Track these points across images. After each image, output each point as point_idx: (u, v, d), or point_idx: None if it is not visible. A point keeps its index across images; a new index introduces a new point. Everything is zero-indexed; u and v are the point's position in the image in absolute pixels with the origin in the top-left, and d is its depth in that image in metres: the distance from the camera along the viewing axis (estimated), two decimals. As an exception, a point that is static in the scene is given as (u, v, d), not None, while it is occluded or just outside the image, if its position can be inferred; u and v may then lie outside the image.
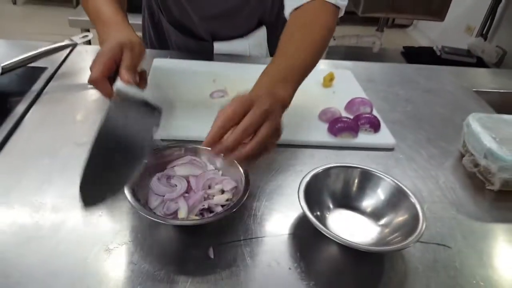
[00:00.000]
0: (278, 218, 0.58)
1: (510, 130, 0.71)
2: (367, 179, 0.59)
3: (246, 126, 0.49)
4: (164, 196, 0.54)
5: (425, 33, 3.88)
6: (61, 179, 0.60)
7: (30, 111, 0.75)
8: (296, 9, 0.73)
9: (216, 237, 0.54)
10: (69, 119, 0.73)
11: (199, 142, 0.57)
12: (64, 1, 3.64)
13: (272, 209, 0.60)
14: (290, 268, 0.51)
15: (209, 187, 0.57)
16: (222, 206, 0.55)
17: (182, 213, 0.52)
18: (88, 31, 2.14)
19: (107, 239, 0.52)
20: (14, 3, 3.65)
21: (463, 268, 0.54)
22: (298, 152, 0.72)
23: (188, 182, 0.57)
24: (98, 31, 0.67)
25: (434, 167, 0.73)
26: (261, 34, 1.03)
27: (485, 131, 0.70)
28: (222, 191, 0.57)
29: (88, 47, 0.99)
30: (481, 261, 0.56)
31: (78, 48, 0.96)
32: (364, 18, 2.60)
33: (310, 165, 0.67)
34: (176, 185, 0.56)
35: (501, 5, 2.93)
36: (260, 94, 0.53)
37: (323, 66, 1.04)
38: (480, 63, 2.82)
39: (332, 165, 0.60)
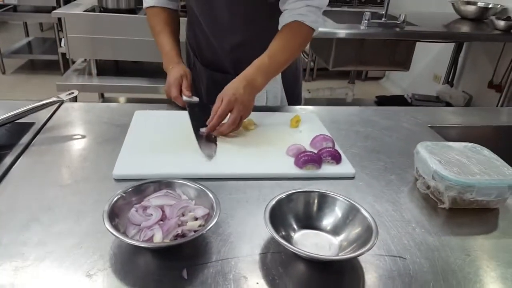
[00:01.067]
0: (248, 240, 0.64)
1: (454, 154, 0.80)
2: (324, 200, 0.66)
3: (233, 121, 0.92)
4: (140, 225, 0.60)
5: (397, 83, 4.15)
6: (47, 217, 0.65)
7: (18, 161, 0.81)
8: (283, 26, 1.04)
9: (189, 260, 0.59)
10: (55, 167, 0.80)
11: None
12: (52, 69, 3.82)
13: (242, 234, 0.65)
14: (257, 283, 0.56)
15: (183, 215, 0.62)
16: (195, 232, 0.60)
17: (157, 238, 0.57)
18: (76, 97, 2.27)
19: (88, 266, 0.56)
20: (3, 72, 3.82)
21: (417, 275, 0.60)
22: (266, 184, 0.79)
23: (163, 211, 0.62)
24: (162, 57, 1.15)
25: (391, 191, 0.80)
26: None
27: (431, 156, 0.78)
28: (195, 218, 0.63)
29: (74, 104, 1.08)
30: (434, 268, 0.61)
31: (64, 105, 1.05)
32: (337, 73, 2.82)
33: (278, 193, 0.74)
34: (151, 214, 0.61)
35: (461, 54, 3.21)
36: (240, 95, 0.93)
37: (293, 111, 1.14)
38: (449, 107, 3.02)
39: (293, 191, 0.67)
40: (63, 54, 3.37)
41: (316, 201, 0.66)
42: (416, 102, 3.05)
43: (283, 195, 0.66)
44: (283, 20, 1.04)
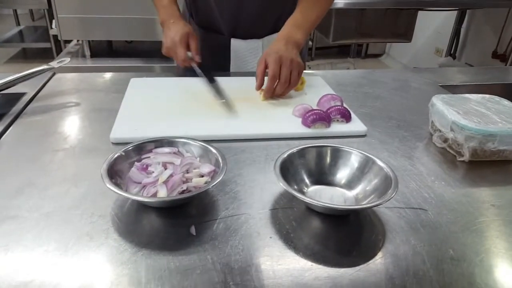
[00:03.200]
0: (257, 197, 0.59)
1: (472, 105, 0.76)
2: (338, 154, 0.62)
3: (284, 79, 0.89)
4: (142, 182, 0.55)
5: (398, 59, 4.08)
6: (42, 182, 0.61)
7: (9, 130, 0.76)
8: None
9: (197, 217, 0.55)
10: (49, 133, 0.75)
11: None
12: (46, 57, 3.74)
13: (251, 191, 0.61)
14: (271, 237, 0.52)
15: (187, 172, 0.58)
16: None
17: (161, 194, 0.53)
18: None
19: (88, 227, 0.52)
20: (-4, 62, 3.74)
21: (442, 226, 0.55)
22: (273, 144, 0.74)
23: (166, 169, 0.58)
24: (158, 11, 1.02)
25: (406, 147, 0.76)
26: (275, 37, 1.12)
27: (448, 107, 0.74)
28: (201, 175, 0.58)
29: (67, 75, 1.03)
30: (458, 219, 0.57)
31: (57, 75, 1.00)
32: (336, 51, 2.75)
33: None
34: (153, 172, 0.57)
35: (464, 25, 3.13)
36: (283, 52, 0.89)
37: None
38: (451, 79, 2.96)
39: (305, 146, 0.62)
40: (56, 41, 3.29)
41: (329, 155, 0.62)
42: (418, 76, 2.99)
43: (294, 150, 0.61)
44: None
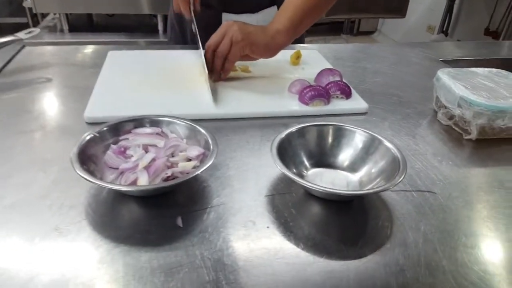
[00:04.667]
0: (252, 183, 0.53)
1: (479, 79, 0.70)
2: (340, 134, 0.56)
3: (220, 51, 0.75)
4: (119, 168, 0.49)
5: (390, 36, 4.00)
6: (7, 167, 0.54)
7: (-28, 109, 0.68)
8: None
9: (184, 206, 0.48)
10: (15, 112, 0.67)
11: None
12: (18, 28, 3.54)
13: (244, 175, 0.55)
14: (268, 227, 0.46)
15: (173, 155, 0.51)
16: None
17: (142, 182, 0.46)
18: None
19: (57, 220, 0.45)
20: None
21: (452, 210, 0.51)
22: (269, 123, 0.68)
23: (147, 152, 0.51)
24: None
25: (410, 125, 0.70)
26: (271, 12, 1.02)
27: (455, 82, 0.68)
28: (188, 159, 0.52)
29: (38, 48, 0.94)
30: (468, 202, 0.52)
31: (26, 48, 0.91)
32: (327, 28, 2.65)
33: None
34: (132, 156, 0.50)
35: (456, 2, 3.06)
36: (238, 25, 0.74)
37: (289, 48, 1.02)
38: (443, 57, 2.92)
39: (304, 125, 0.56)
40: (33, 15, 3.11)
41: (330, 135, 0.56)
42: (410, 53, 2.93)
43: (292, 129, 0.55)
44: None
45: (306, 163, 0.55)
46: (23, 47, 0.90)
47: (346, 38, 2.68)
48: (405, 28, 3.66)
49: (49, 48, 0.94)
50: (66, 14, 2.03)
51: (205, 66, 0.76)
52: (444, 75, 0.71)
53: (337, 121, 0.69)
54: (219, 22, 1.02)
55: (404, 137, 0.66)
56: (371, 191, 0.49)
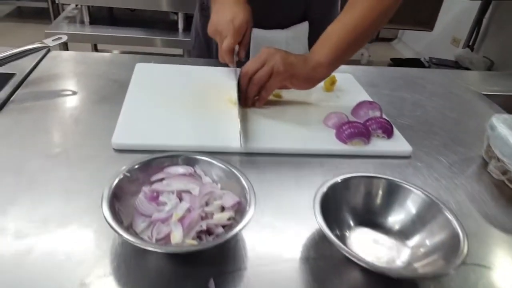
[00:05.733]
0: (288, 239, 0.49)
1: (538, 131, 0.64)
2: (392, 191, 0.51)
3: (257, 79, 0.70)
4: (152, 217, 0.44)
5: (410, 46, 3.91)
6: (28, 199, 0.50)
7: (-7, 121, 0.64)
8: None
9: (216, 266, 0.44)
10: (39, 129, 0.63)
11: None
12: (42, 18, 3.53)
13: (281, 228, 0.50)
14: (309, 301, 0.42)
15: (207, 204, 0.47)
16: (223, 226, 0.46)
17: (175, 237, 0.42)
18: (67, 47, 2.05)
19: (82, 272, 0.41)
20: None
21: (512, 292, 0.46)
22: (305, 162, 0.63)
23: (181, 199, 0.47)
24: None
25: (456, 175, 0.65)
26: (303, 29, 0.97)
27: (513, 133, 0.63)
28: (222, 208, 0.47)
29: (63, 53, 0.90)
30: (530, 282, 0.47)
31: (52, 53, 0.87)
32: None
33: (321, 175, 0.59)
34: (166, 203, 0.46)
35: (487, 16, 2.96)
36: (279, 53, 0.69)
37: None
38: (468, 73, 2.83)
39: (351, 175, 0.51)
40: (53, 1, 3.08)
41: (381, 190, 0.51)
42: (434, 67, 2.84)
43: (337, 180, 0.50)
44: None
45: (350, 220, 0.50)
46: (48, 51, 0.86)
47: (367, 47, 2.60)
48: (428, 38, 3.56)
49: (74, 54, 0.90)
50: (88, 6, 1.99)
51: (238, 101, 0.71)
52: (500, 124, 0.65)
53: (377, 164, 0.65)
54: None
55: (452, 191, 0.61)
56: (425, 274, 0.44)
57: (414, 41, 3.85)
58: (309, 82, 0.72)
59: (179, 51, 2.30)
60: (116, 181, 0.46)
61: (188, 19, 2.03)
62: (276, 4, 0.96)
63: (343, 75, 0.91)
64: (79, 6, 2.12)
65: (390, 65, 2.96)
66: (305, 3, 0.98)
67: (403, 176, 0.63)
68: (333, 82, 0.85)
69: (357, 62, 2.75)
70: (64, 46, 2.02)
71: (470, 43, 3.12)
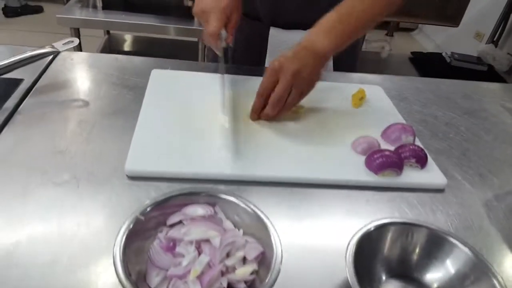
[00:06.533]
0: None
1: None
2: (434, 243, 0.46)
3: (276, 98, 0.66)
4: (168, 271, 0.40)
5: (431, 37, 3.77)
6: (32, 236, 0.46)
7: (-1, 136, 0.60)
8: None
9: (237, 327, 0.40)
10: (46, 150, 0.58)
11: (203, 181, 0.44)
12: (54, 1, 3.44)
13: (303, 277, 0.46)
14: None
15: (228, 255, 0.43)
16: (245, 282, 0.41)
17: (193, 298, 0.38)
18: (78, 32, 1.99)
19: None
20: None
21: None
22: (330, 194, 0.59)
23: (200, 252, 0.43)
24: None
25: (496, 215, 0.60)
26: None
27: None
28: (244, 259, 0.43)
29: (73, 54, 0.84)
30: None
31: (62, 54, 0.82)
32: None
33: (349, 212, 0.55)
34: (183, 255, 0.42)
35: (514, 11, 2.82)
36: (286, 59, 0.65)
37: (350, 80, 0.90)
38: (491, 71, 2.72)
39: (388, 221, 0.46)
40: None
41: (420, 240, 0.46)
42: (456, 63, 2.73)
43: (371, 228, 0.45)
44: None
45: (382, 272, 0.46)
46: (58, 52, 0.81)
47: (389, 41, 2.50)
48: (450, 30, 3.41)
49: (86, 56, 0.85)
50: (101, -10, 1.93)
51: (226, 116, 0.68)
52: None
53: (409, 198, 0.60)
54: (265, 36, 0.92)
55: (496, 237, 0.56)
56: None
57: (435, 32, 3.71)
58: (320, 77, 0.70)
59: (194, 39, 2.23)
60: (130, 227, 0.41)
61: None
62: (296, 5, 0.90)
63: (372, 88, 0.85)
64: (91, -11, 2.05)
65: (410, 59, 2.85)
66: (326, 5, 0.91)
67: (435, 217, 0.58)
68: (362, 97, 0.79)
69: (377, 55, 2.64)
70: (76, 32, 1.97)
71: (495, 39, 2.99)
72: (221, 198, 0.47)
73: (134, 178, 0.55)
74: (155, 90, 0.74)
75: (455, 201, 0.61)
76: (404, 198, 0.60)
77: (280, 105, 0.67)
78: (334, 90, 0.83)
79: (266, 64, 0.95)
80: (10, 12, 3.25)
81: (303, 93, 0.68)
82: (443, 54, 2.91)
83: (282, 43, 0.92)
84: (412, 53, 2.89)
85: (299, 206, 0.56)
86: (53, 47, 0.72)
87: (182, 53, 2.60)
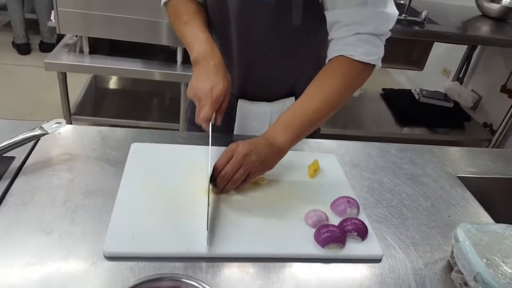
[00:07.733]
0: None
1: (506, 245, 0.69)
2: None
3: (224, 174, 0.76)
4: None
5: (404, 71, 3.99)
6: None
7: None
8: (328, 62, 0.86)
9: None
10: (33, 234, 0.66)
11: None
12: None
13: None
14: None
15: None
16: None
17: None
18: (65, 76, 2.08)
19: None
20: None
21: None
22: (276, 268, 0.68)
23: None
24: (191, 46, 0.87)
25: (423, 279, 0.70)
26: (288, 104, 1.03)
27: (474, 252, 0.68)
28: None
29: (61, 127, 0.93)
30: None
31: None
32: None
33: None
34: None
35: (476, 51, 3.05)
36: (243, 143, 0.76)
37: (308, 147, 1.02)
38: (457, 107, 2.90)
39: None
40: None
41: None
42: (424, 99, 2.91)
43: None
44: (329, 53, 0.86)
45: None
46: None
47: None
48: (421, 66, 3.64)
49: (71, 129, 0.94)
50: (88, 37, 2.03)
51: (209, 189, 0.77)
52: (463, 235, 0.71)
53: (350, 268, 0.70)
54: (234, 107, 1.03)
55: (415, 301, 0.67)
56: None
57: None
58: (274, 165, 0.81)
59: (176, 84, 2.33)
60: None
61: (187, 53, 2.08)
62: (264, 79, 1.02)
63: (326, 157, 0.96)
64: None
65: (381, 95, 3.02)
66: (293, 79, 1.03)
67: (371, 282, 0.68)
68: (316, 169, 0.90)
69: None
70: (63, 76, 2.06)
71: (460, 76, 3.21)
72: (183, 282, 0.57)
73: (111, 258, 0.64)
74: (133, 167, 0.84)
75: (389, 269, 0.72)
76: (346, 268, 0.70)
77: (226, 179, 0.77)
78: (294, 159, 0.93)
79: (235, 132, 1.06)
80: (46, 48, 3.38)
81: (251, 174, 0.77)
82: (412, 91, 3.09)
83: (250, 114, 1.04)
84: (383, 89, 3.07)
85: (252, 280, 0.65)
86: (42, 129, 0.81)
87: (165, 92, 2.71)
